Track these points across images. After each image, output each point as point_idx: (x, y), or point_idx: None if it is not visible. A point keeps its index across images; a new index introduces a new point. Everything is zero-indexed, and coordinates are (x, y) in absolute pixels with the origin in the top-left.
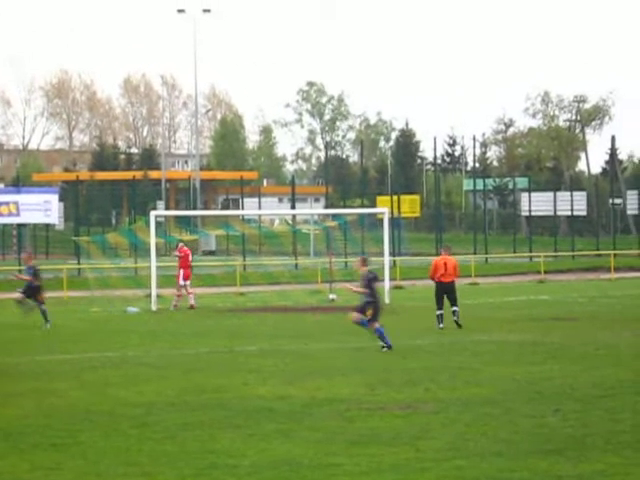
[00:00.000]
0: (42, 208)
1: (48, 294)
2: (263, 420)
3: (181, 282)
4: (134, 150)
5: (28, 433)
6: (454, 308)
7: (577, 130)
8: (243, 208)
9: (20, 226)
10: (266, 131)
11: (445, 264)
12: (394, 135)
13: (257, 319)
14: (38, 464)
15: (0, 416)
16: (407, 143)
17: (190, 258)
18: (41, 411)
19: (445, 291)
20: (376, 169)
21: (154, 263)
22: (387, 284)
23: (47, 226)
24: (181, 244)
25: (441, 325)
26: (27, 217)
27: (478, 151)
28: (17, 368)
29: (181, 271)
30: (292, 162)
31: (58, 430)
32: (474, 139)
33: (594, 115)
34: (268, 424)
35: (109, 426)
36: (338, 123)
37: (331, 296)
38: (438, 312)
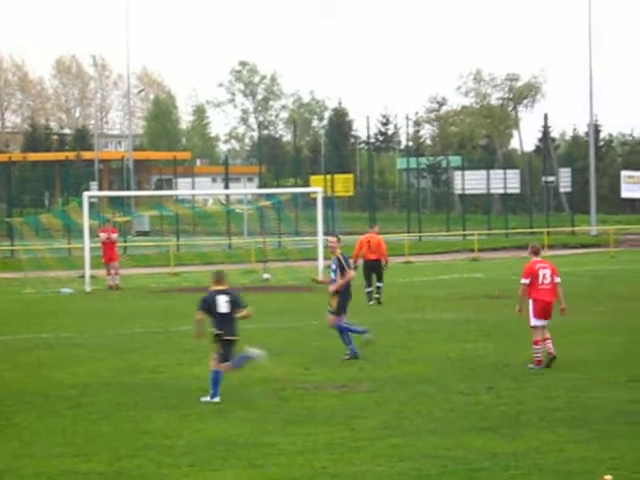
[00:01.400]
0: None
1: None
2: (198, 400)
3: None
4: (67, 131)
5: None
6: (378, 284)
7: (510, 108)
8: (176, 188)
9: None
10: (199, 111)
11: (369, 242)
12: (327, 114)
13: (191, 299)
14: None
15: None
16: (340, 122)
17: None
18: None
19: (371, 268)
20: (309, 148)
21: (87, 244)
22: (321, 263)
23: None
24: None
25: (371, 302)
26: None
27: (411, 130)
28: None
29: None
30: (225, 142)
31: None
32: (407, 118)
33: (526, 93)
34: (203, 404)
35: (44, 407)
36: (271, 103)
37: (265, 276)
38: (367, 289)
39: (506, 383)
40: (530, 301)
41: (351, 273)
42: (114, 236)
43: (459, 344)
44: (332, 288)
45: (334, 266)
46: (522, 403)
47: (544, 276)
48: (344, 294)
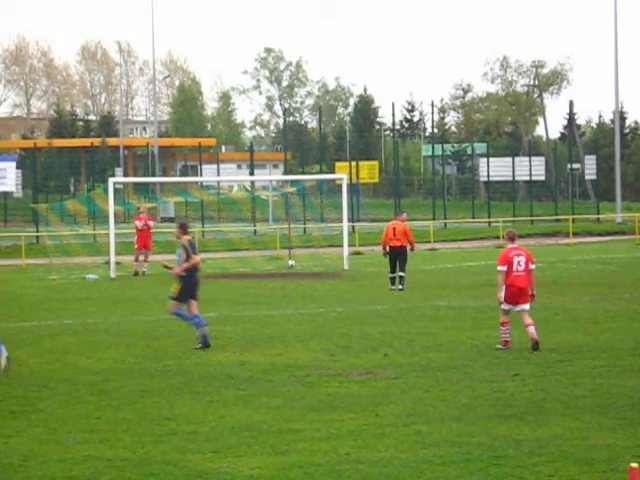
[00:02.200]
0: (1, 176)
1: (7, 262)
2: (222, 386)
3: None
4: (92, 117)
5: None
6: (401, 273)
7: (535, 95)
8: (202, 175)
9: None
10: (224, 98)
11: (394, 229)
12: (352, 101)
13: (216, 286)
14: None
15: None
16: (365, 109)
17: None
18: (3, 379)
19: (395, 254)
20: (335, 135)
21: (112, 230)
22: (346, 250)
23: (5, 194)
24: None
25: (392, 287)
26: None
27: (436, 117)
28: None
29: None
30: (250, 129)
31: (17, 398)
32: (432, 105)
33: (552, 80)
34: (227, 390)
35: (68, 393)
36: (296, 89)
37: (290, 262)
38: (390, 275)
39: (531, 370)
40: (503, 286)
41: (197, 258)
42: (151, 223)
43: (484, 331)
44: (176, 270)
45: (180, 253)
46: (547, 390)
47: (519, 263)
48: (188, 280)
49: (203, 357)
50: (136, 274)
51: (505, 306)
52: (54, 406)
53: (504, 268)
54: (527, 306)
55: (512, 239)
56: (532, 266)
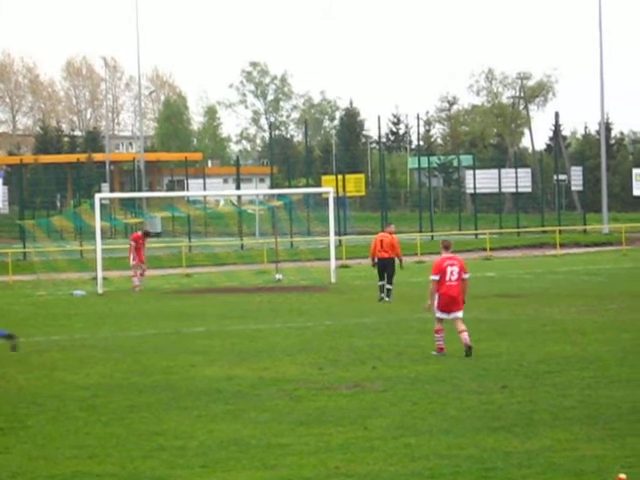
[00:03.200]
0: None
1: None
2: (211, 401)
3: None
4: (78, 133)
5: None
6: (388, 286)
7: (521, 107)
8: (188, 189)
9: None
10: (210, 112)
11: (382, 241)
12: (338, 114)
13: (203, 300)
14: None
15: None
16: (351, 122)
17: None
18: None
19: (383, 266)
20: (321, 148)
21: (99, 246)
22: (333, 263)
23: None
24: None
25: (382, 294)
26: None
27: (422, 129)
28: None
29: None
30: (236, 143)
31: (5, 414)
32: (418, 117)
33: (538, 92)
34: (216, 405)
35: (57, 409)
36: (282, 103)
37: (277, 276)
38: (379, 283)
39: (519, 382)
40: (436, 295)
41: None
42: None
43: (472, 343)
44: None
45: None
46: (535, 402)
47: (452, 272)
48: None
49: (191, 372)
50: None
51: (439, 314)
52: (42, 422)
53: (437, 277)
54: (460, 313)
55: (447, 248)
56: (465, 275)
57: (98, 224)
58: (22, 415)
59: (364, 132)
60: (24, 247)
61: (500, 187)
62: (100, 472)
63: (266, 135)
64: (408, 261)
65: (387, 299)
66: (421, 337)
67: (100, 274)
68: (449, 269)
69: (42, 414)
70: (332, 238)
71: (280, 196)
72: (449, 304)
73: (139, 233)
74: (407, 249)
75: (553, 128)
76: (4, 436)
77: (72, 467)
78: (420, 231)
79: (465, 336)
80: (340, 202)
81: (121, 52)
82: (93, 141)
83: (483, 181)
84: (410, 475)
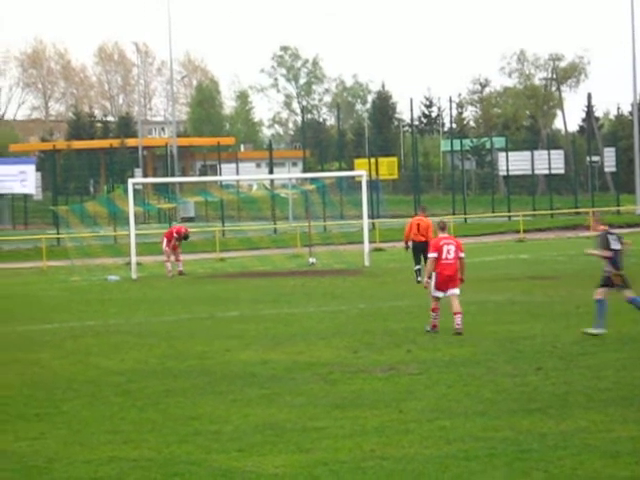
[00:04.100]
0: (18, 179)
1: (28, 264)
2: (246, 385)
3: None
4: (110, 118)
5: (11, 404)
6: (418, 267)
7: (553, 88)
8: (221, 174)
9: (3, 197)
10: (242, 96)
11: (418, 225)
12: (370, 97)
13: (237, 284)
14: (22, 434)
15: None
16: (384, 105)
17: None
18: (24, 382)
19: (420, 249)
20: (353, 132)
21: (133, 231)
22: (367, 246)
23: (25, 196)
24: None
25: (419, 279)
26: (4, 188)
27: (455, 112)
28: (5, 339)
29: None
30: (269, 127)
31: (41, 400)
32: (450, 100)
33: (570, 73)
34: (251, 389)
35: (92, 395)
36: (314, 87)
37: (311, 260)
38: (415, 267)
39: (554, 363)
40: (433, 274)
41: None
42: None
43: (506, 325)
44: None
45: None
46: (570, 383)
47: (448, 251)
48: None
49: (226, 356)
50: (180, 274)
51: (436, 293)
52: (78, 408)
53: (435, 254)
54: (457, 290)
55: (443, 228)
56: (461, 254)
57: (131, 209)
58: (57, 400)
59: (396, 115)
60: (58, 233)
61: (533, 169)
62: (136, 457)
63: (298, 119)
64: None
65: (419, 278)
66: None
67: (134, 259)
68: (445, 247)
69: (77, 399)
70: (365, 221)
71: (313, 180)
72: (446, 282)
73: (183, 230)
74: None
75: (585, 109)
76: (40, 422)
77: (108, 452)
78: (453, 214)
79: (458, 320)
80: (373, 185)
81: (153, 37)
82: (126, 126)
83: (516, 163)
84: (445, 457)
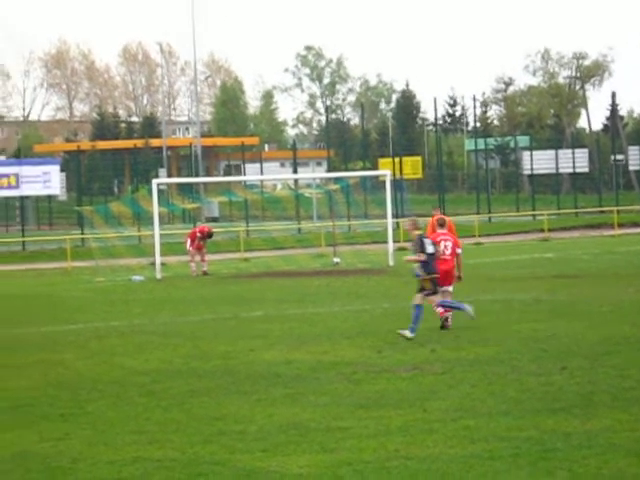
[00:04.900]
0: (42, 179)
1: (52, 265)
2: (270, 385)
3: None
4: (134, 118)
5: (36, 404)
6: None
7: (577, 87)
8: (245, 174)
9: (23, 198)
10: (266, 96)
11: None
12: (394, 97)
13: (262, 284)
14: (47, 435)
15: (8, 388)
16: (408, 104)
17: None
18: (48, 382)
19: None
20: (377, 131)
21: (157, 231)
22: (391, 246)
23: (50, 197)
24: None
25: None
26: (28, 189)
27: (479, 111)
28: (23, 339)
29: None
30: (293, 126)
31: (66, 401)
32: (474, 99)
33: (594, 71)
34: (275, 389)
35: (116, 395)
36: (338, 86)
37: (335, 259)
38: None
39: (579, 363)
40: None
41: (422, 256)
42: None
43: (530, 324)
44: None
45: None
46: (595, 383)
47: (445, 247)
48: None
49: (250, 356)
50: (205, 274)
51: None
52: (102, 408)
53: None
54: (450, 288)
55: (442, 225)
56: (458, 250)
57: (156, 209)
58: (82, 401)
59: (420, 114)
60: (82, 233)
61: (557, 168)
62: (160, 457)
63: (322, 118)
64: (466, 242)
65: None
66: (479, 318)
67: (158, 260)
68: (443, 244)
69: (102, 400)
70: (390, 221)
71: (337, 179)
72: (444, 277)
73: (206, 230)
74: (465, 231)
75: (610, 108)
76: (64, 422)
77: (132, 452)
78: (477, 213)
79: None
80: (397, 185)
81: (177, 37)
82: (150, 127)
83: (540, 162)
84: (469, 457)
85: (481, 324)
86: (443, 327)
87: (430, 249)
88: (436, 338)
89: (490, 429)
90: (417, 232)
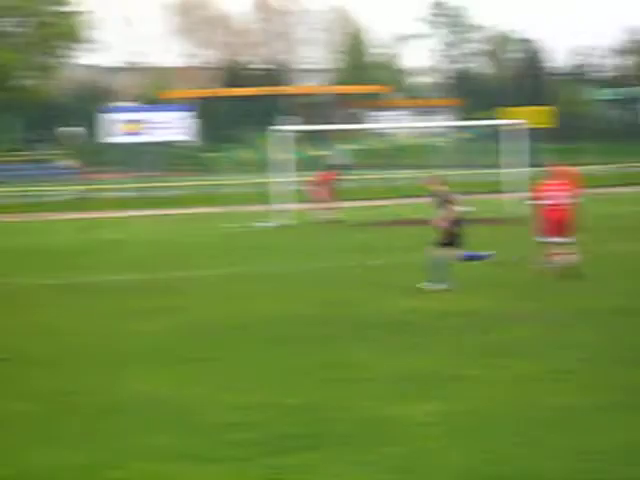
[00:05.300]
0: (176, 125)
1: (180, 210)
2: (397, 333)
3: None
4: (264, 66)
5: (165, 349)
6: None
7: None
8: (373, 122)
9: (157, 144)
10: (395, 44)
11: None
12: (524, 46)
13: (390, 232)
14: (175, 379)
15: (138, 333)
16: (536, 54)
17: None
18: (176, 327)
19: None
20: (506, 81)
21: (284, 179)
22: (519, 196)
23: (178, 143)
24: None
25: None
26: (161, 134)
27: (611, 60)
28: (153, 285)
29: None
30: (421, 75)
31: (195, 345)
32: (605, 48)
33: None
34: (401, 337)
35: (244, 341)
36: (467, 35)
37: (467, 208)
38: None
39: None
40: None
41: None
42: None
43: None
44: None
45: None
46: None
47: (557, 197)
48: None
49: (378, 304)
50: (333, 221)
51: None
52: (230, 353)
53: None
54: (567, 239)
55: (555, 175)
56: (575, 200)
57: (285, 156)
58: (211, 346)
59: (551, 64)
60: (209, 179)
61: None
62: (285, 403)
63: (451, 67)
64: (596, 192)
65: None
66: (606, 271)
67: (285, 207)
68: (554, 194)
69: (229, 345)
70: (524, 170)
71: (467, 128)
72: (555, 228)
73: (332, 177)
74: (596, 181)
75: None
76: (192, 367)
77: (257, 398)
78: (606, 164)
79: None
80: (529, 134)
81: None
82: (279, 74)
83: None
84: (606, 407)
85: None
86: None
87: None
88: (570, 290)
89: (629, 377)
90: (440, 188)
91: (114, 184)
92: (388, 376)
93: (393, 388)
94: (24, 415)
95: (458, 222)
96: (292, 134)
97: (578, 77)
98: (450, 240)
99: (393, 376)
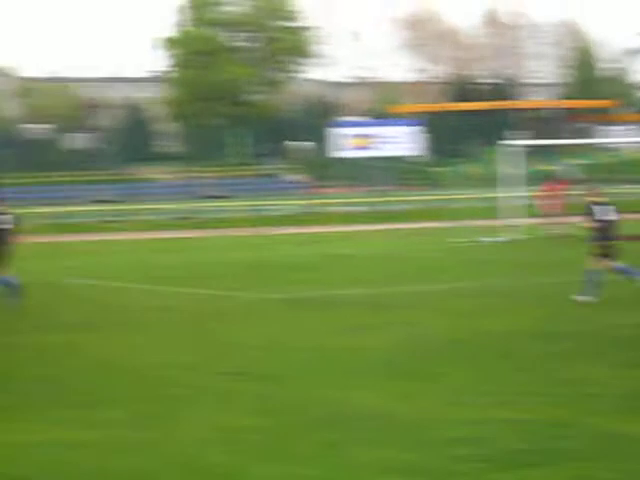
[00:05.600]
0: (405, 140)
1: (409, 225)
2: (629, 349)
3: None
4: (493, 80)
5: (392, 364)
6: None
7: None
8: (600, 137)
9: (385, 158)
10: (625, 58)
11: None
12: None
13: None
14: (401, 393)
15: (365, 348)
16: None
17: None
18: (404, 341)
19: None
20: None
21: (510, 194)
22: None
23: (408, 157)
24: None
25: None
26: (390, 149)
27: None
28: (380, 299)
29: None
30: None
31: (413, 360)
32: None
33: None
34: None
35: (470, 356)
36: None
37: None
38: None
39: None
40: None
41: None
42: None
43: None
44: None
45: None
46: None
47: None
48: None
49: (602, 320)
50: (560, 236)
51: None
52: (457, 368)
53: None
54: None
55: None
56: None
57: (510, 171)
58: (435, 360)
59: None
60: (437, 195)
61: None
62: (512, 418)
63: None
64: None
65: None
66: None
67: (511, 221)
68: None
69: (455, 360)
70: None
71: None
72: None
73: (559, 188)
74: None
75: None
76: (420, 382)
77: (485, 413)
78: None
79: None
80: None
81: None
82: (507, 88)
83: None
84: None
85: None
86: None
87: (601, 217)
88: None
89: None
90: (590, 199)
91: (341, 198)
92: (619, 392)
93: (625, 405)
94: (256, 430)
95: None
96: (522, 149)
97: None
98: None
99: (624, 392)
